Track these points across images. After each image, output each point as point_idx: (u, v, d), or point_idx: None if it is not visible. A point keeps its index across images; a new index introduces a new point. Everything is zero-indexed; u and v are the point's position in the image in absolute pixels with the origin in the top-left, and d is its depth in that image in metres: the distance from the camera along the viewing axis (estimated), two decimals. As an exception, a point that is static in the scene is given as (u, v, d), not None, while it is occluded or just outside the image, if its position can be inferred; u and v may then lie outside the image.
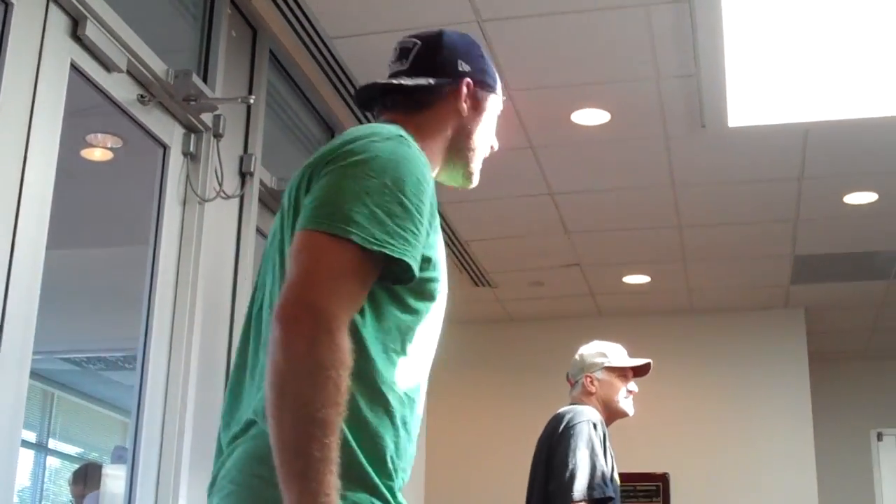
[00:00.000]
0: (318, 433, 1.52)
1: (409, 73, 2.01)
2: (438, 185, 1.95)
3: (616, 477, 3.95)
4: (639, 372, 4.17)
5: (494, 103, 2.08)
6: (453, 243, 6.71)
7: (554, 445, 3.90)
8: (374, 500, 1.63)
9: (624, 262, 7.19)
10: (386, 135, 1.76)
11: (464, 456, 8.07)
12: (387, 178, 1.68)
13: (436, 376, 6.44)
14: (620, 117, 5.19)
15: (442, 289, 1.87)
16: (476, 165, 2.06)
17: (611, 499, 3.80)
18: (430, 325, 1.84)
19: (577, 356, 4.18)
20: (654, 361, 7.87)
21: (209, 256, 3.73)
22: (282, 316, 1.57)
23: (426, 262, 1.76)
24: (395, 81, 1.99)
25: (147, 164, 3.67)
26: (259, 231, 4.20)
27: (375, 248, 1.63)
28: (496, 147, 2.11)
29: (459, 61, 2.03)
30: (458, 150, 2.02)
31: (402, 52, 2.05)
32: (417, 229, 1.69)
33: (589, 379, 4.09)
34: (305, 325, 1.55)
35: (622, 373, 4.12)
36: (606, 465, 3.83)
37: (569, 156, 5.67)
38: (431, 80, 1.99)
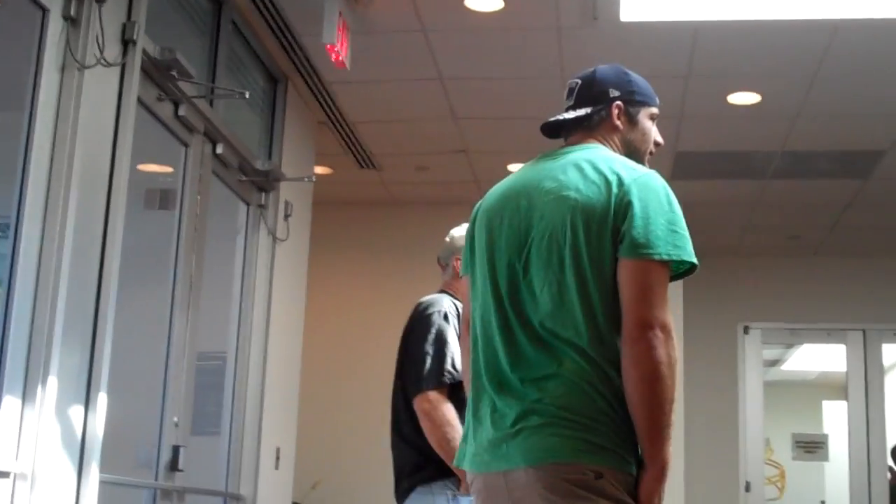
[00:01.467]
0: (671, 410, 2.32)
1: (574, 107, 2.68)
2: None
3: None
4: None
5: (647, 112, 2.69)
6: (339, 124, 6.65)
7: (407, 336, 3.93)
8: None
9: (510, 151, 7.21)
10: (638, 168, 2.50)
11: (342, 335, 8.12)
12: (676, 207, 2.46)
13: (317, 257, 6.41)
14: (514, 5, 5.16)
15: None
16: (644, 164, 2.63)
17: (461, 385, 3.83)
18: None
19: (447, 238, 4.14)
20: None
21: (87, 125, 3.63)
22: (643, 334, 2.31)
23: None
24: (561, 117, 2.70)
25: (25, 27, 3.53)
26: (140, 101, 4.10)
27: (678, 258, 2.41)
28: (661, 141, 2.73)
29: (610, 90, 2.66)
30: (630, 155, 2.62)
31: (569, 91, 2.73)
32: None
33: (458, 261, 4.09)
34: (661, 337, 2.31)
35: None
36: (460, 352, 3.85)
37: (460, 41, 5.63)
38: (588, 110, 2.65)
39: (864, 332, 9.19)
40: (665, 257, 2.37)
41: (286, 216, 5.90)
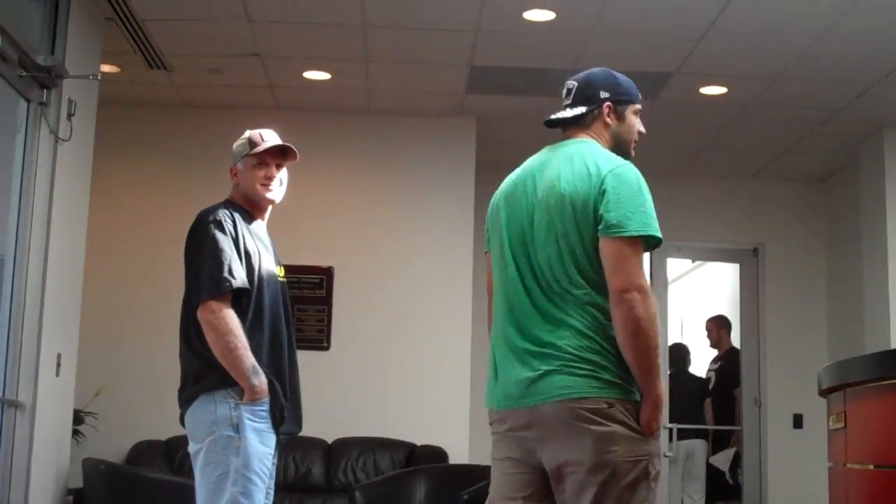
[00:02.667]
0: (657, 352, 2.99)
1: (571, 105, 3.27)
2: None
3: (268, 267, 3.94)
4: (286, 157, 4.11)
5: (632, 108, 3.28)
6: (128, 21, 6.38)
7: (187, 246, 3.89)
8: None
9: (306, 57, 7.11)
10: (613, 157, 3.14)
11: (129, 240, 7.90)
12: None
13: (103, 159, 6.23)
14: None
15: None
16: (631, 152, 3.28)
17: (245, 291, 3.81)
18: None
19: (235, 146, 4.11)
20: (329, 158, 7.99)
21: None
22: (622, 297, 2.97)
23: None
24: (561, 115, 3.28)
25: None
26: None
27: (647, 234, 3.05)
28: (643, 131, 3.32)
29: (600, 91, 3.24)
30: (618, 146, 3.23)
31: (567, 91, 3.31)
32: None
33: (233, 171, 4.06)
34: (638, 298, 2.97)
35: (260, 159, 4.03)
36: (240, 259, 3.80)
37: (257, -59, 5.47)
38: (583, 109, 3.24)
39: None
40: (634, 234, 3.00)
41: (69, 115, 5.65)
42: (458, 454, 7.64)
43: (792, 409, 9.15)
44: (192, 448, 3.82)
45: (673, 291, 12.80)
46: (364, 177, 8.22)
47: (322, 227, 8.06)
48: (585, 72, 3.33)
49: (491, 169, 9.06)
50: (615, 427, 2.96)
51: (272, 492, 3.88)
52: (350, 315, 7.98)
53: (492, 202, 3.41)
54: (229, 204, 3.98)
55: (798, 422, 9.17)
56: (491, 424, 3.21)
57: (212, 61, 7.18)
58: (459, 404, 7.88)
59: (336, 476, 7.46)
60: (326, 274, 8.00)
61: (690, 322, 12.25)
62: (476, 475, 6.66)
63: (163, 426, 6.85)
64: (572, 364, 2.99)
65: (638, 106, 3.31)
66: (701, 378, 9.97)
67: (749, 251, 9.56)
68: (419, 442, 7.62)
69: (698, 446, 9.38)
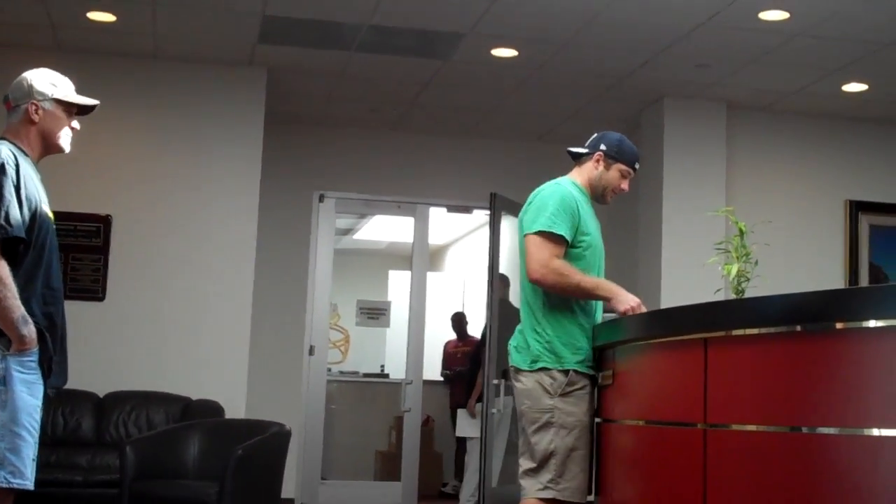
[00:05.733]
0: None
1: (584, 147, 4.37)
2: None
3: (46, 212, 3.78)
4: (81, 110, 3.96)
5: (618, 167, 4.31)
6: None
7: None
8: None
9: (90, -4, 6.84)
10: (551, 184, 4.30)
11: None
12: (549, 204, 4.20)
13: None
14: None
15: (588, 243, 4.40)
16: (604, 199, 4.41)
17: (21, 239, 3.63)
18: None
19: (23, 79, 3.86)
20: (112, 103, 7.72)
21: None
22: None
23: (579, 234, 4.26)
24: (574, 150, 4.40)
25: None
26: None
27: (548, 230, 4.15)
28: (625, 189, 4.35)
29: (602, 144, 4.31)
30: (594, 189, 4.35)
31: (588, 138, 4.40)
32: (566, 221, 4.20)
33: (35, 107, 3.82)
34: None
35: (69, 108, 3.87)
36: (21, 205, 3.62)
37: None
38: (584, 150, 4.36)
39: (430, 206, 9.62)
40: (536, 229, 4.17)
41: None
42: (235, 409, 7.56)
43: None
44: (-51, 402, 3.63)
45: (457, 250, 12.97)
46: (149, 124, 7.99)
47: (102, 174, 7.80)
48: (611, 131, 4.38)
49: (280, 121, 8.97)
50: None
51: (37, 446, 3.73)
52: (128, 265, 7.76)
53: (574, 201, 4.22)
54: (9, 143, 3.76)
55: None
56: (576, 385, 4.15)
57: (-12, -5, 6.82)
58: (238, 358, 7.81)
59: (107, 430, 7.26)
60: (104, 222, 7.75)
61: (473, 282, 12.44)
62: (252, 430, 6.61)
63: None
64: None
65: (625, 168, 4.30)
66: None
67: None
68: (195, 396, 7.50)
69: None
